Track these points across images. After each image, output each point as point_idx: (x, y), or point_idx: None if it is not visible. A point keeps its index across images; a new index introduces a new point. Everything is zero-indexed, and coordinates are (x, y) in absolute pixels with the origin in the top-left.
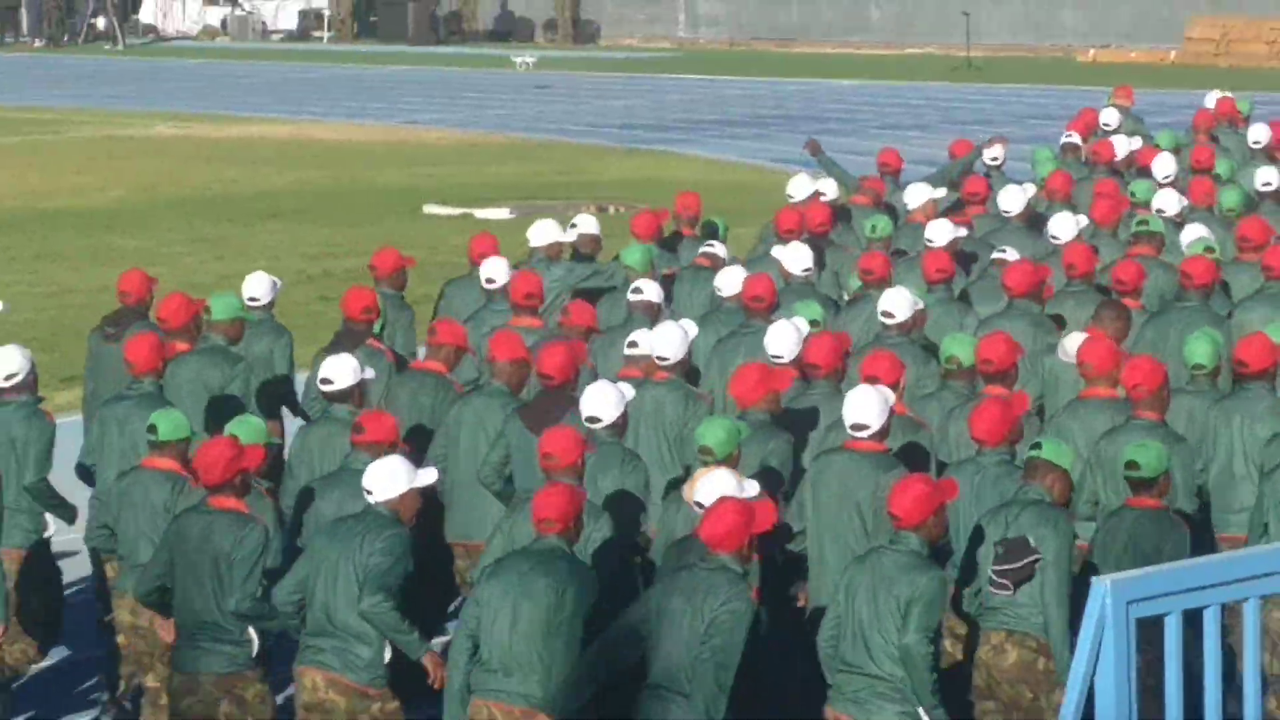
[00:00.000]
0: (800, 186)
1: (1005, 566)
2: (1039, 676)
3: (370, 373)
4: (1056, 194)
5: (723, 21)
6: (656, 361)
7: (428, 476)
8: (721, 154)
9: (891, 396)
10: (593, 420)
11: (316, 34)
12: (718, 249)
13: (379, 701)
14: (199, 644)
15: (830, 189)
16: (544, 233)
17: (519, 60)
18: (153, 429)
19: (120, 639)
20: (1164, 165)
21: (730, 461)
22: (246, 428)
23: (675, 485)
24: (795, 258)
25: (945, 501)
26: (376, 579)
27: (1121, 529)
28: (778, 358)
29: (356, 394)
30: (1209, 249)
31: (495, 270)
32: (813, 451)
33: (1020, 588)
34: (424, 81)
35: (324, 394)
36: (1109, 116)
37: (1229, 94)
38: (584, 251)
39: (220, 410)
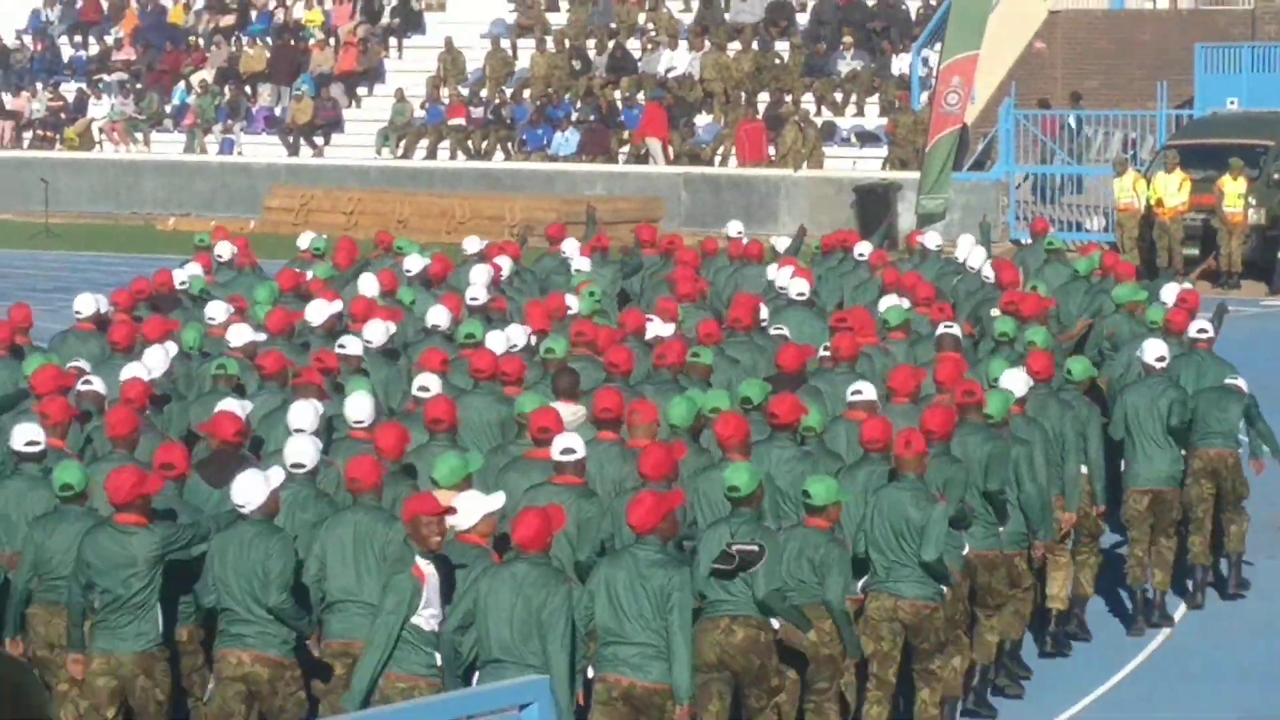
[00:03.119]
0: (85, 303)
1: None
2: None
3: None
4: None
5: None
6: (353, 425)
7: (277, 477)
8: None
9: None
10: (296, 466)
11: None
12: None
13: (291, 670)
14: (121, 628)
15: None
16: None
17: None
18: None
19: None
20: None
21: (463, 486)
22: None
23: None
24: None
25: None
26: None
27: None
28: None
29: (43, 455)
30: None
31: None
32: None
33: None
34: None
35: (18, 454)
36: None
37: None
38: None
39: None
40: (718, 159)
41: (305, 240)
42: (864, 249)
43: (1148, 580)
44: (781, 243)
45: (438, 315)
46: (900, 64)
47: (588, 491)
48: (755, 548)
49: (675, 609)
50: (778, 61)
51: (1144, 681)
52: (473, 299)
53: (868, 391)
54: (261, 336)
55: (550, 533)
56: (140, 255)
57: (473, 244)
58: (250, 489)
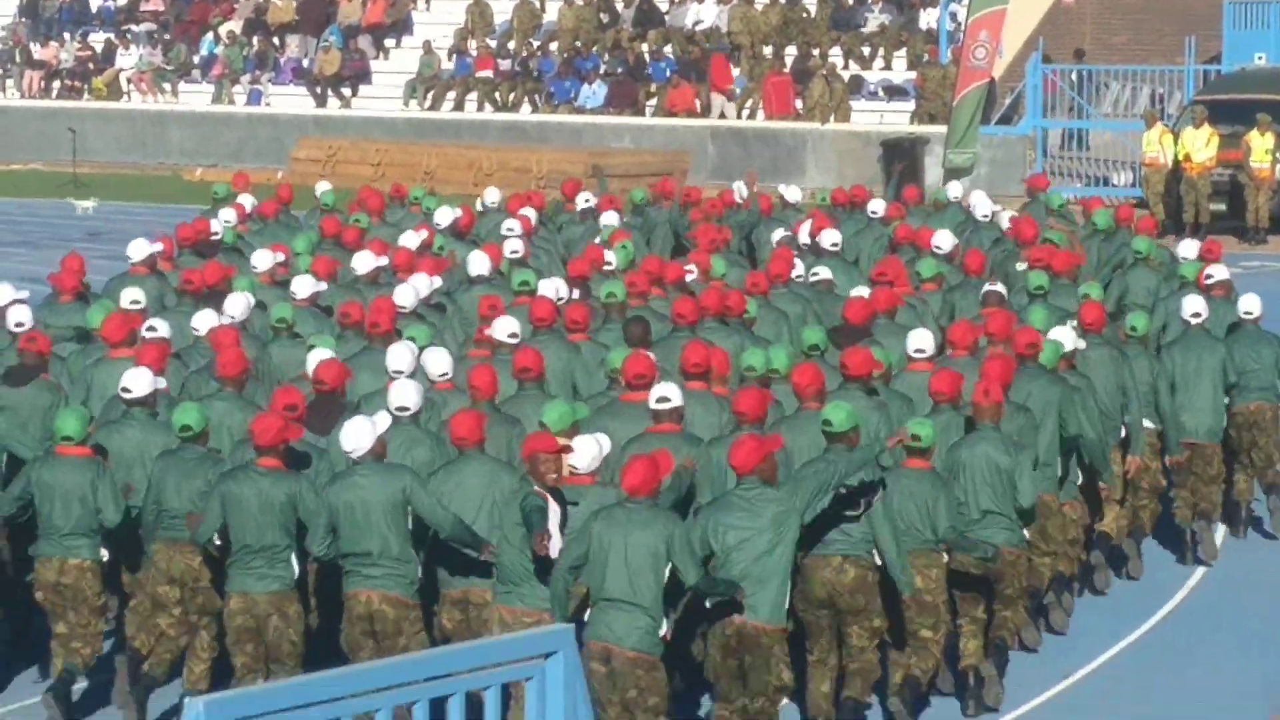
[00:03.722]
0: (138, 249)
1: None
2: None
3: (162, 382)
4: None
5: None
6: (436, 379)
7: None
8: None
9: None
10: (401, 410)
11: None
12: None
13: (415, 610)
14: (254, 568)
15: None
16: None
17: (80, 205)
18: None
19: (40, 595)
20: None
21: (571, 432)
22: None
23: None
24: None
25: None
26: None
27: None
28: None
29: (151, 400)
30: None
31: None
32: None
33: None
34: None
35: (123, 400)
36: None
37: None
38: None
39: None
40: (745, 112)
41: (319, 190)
42: (877, 206)
43: (1193, 522)
44: (791, 193)
45: (480, 264)
46: (928, 18)
47: (689, 437)
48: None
49: (787, 535)
50: (805, 15)
51: (1174, 629)
52: (513, 252)
53: (929, 346)
54: (324, 285)
55: (658, 479)
56: (168, 205)
57: (493, 194)
58: (359, 435)
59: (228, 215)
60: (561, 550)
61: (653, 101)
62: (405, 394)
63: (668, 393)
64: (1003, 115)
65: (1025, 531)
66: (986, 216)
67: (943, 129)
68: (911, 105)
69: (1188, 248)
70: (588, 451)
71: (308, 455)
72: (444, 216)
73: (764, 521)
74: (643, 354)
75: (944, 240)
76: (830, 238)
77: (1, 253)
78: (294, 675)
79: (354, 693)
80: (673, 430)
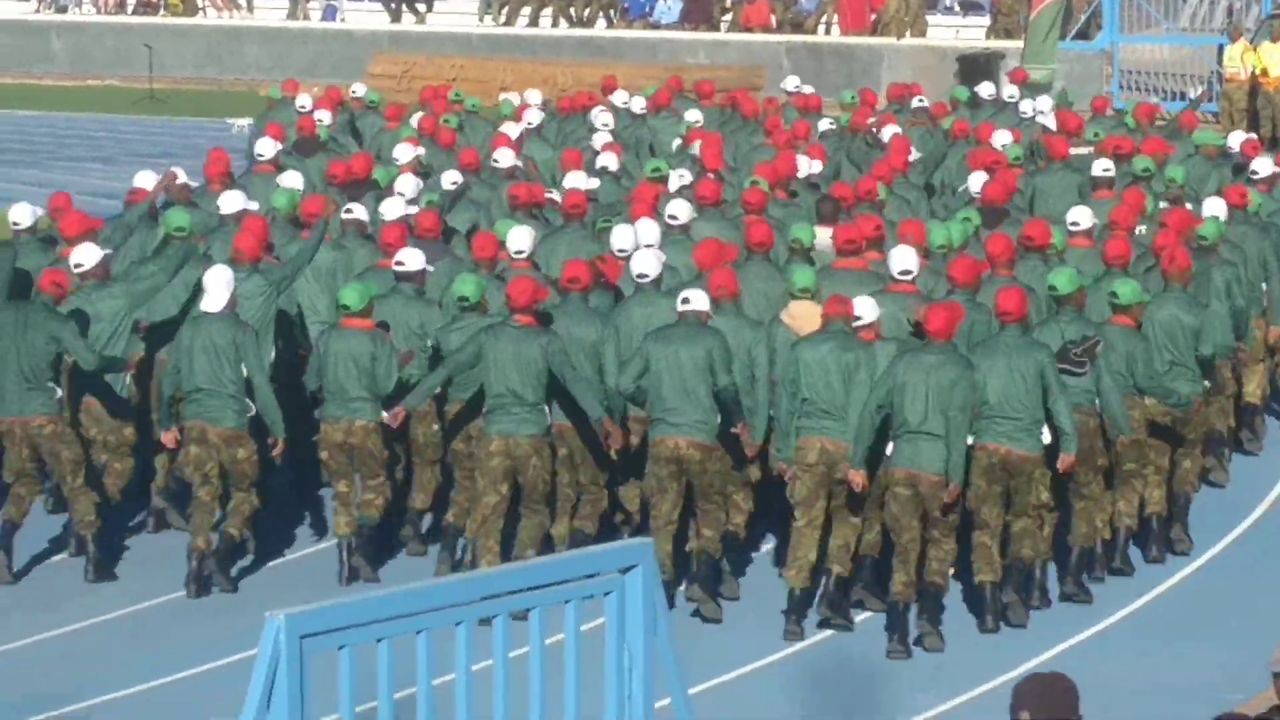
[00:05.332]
0: (267, 146)
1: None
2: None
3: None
4: None
5: None
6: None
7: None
8: None
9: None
10: (642, 277)
11: None
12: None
13: (718, 451)
14: (514, 414)
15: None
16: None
17: (236, 123)
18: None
19: (324, 455)
20: None
21: (817, 296)
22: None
23: None
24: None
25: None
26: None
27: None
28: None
29: (420, 277)
30: None
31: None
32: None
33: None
34: None
35: (397, 274)
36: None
37: None
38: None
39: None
40: (821, 27)
41: (360, 90)
42: (924, 101)
43: None
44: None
45: (609, 159)
46: None
47: (924, 297)
48: (1093, 340)
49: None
50: None
51: None
52: (603, 144)
53: (1085, 220)
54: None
55: (957, 324)
56: (243, 121)
57: (535, 96)
58: (699, 302)
59: (321, 115)
60: (870, 390)
61: (728, 17)
62: (646, 263)
63: (910, 265)
64: (1079, 30)
65: (1205, 383)
66: (1042, 113)
67: (1019, 44)
68: (987, 20)
69: (1235, 139)
70: (871, 309)
71: (549, 315)
72: (533, 116)
73: (1027, 364)
74: (857, 224)
75: (1003, 137)
76: (891, 131)
77: (79, 168)
78: (544, 513)
79: (433, 607)
80: (911, 290)
